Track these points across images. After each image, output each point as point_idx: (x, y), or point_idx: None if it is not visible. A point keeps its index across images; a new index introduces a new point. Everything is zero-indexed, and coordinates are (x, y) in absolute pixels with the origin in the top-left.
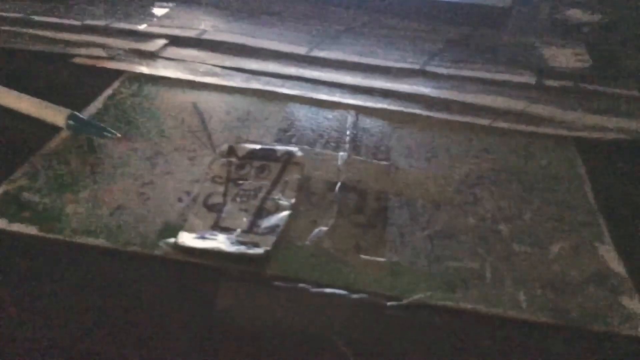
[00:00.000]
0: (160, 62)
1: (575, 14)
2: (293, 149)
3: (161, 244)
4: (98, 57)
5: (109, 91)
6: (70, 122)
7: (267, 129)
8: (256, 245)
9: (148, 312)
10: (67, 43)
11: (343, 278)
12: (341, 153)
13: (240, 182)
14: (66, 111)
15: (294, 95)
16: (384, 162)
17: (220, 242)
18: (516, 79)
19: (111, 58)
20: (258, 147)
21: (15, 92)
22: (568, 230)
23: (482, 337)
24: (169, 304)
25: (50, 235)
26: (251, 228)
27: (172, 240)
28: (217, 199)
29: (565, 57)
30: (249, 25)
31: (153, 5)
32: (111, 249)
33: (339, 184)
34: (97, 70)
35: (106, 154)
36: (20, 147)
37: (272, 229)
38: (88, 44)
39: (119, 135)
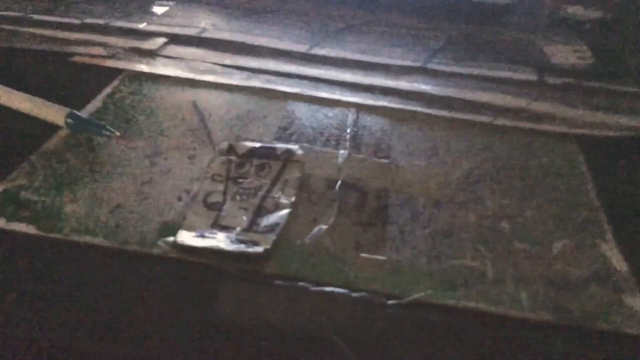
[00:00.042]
0: (159, 60)
1: (577, 10)
2: (293, 147)
3: (160, 242)
4: (98, 56)
5: (108, 90)
6: (70, 120)
7: (267, 127)
8: (256, 243)
9: (147, 311)
10: (67, 42)
11: (343, 276)
12: (341, 151)
13: (240, 180)
14: (65, 110)
15: (294, 93)
16: (385, 160)
17: (219, 240)
18: (517, 76)
19: (111, 56)
20: (258, 145)
21: (14, 91)
22: (570, 228)
23: (483, 336)
24: (168, 303)
25: (49, 234)
26: (251, 226)
27: (171, 239)
28: (217, 198)
29: (566, 54)
30: (249, 23)
31: (153, 4)
32: (110, 247)
33: (339, 182)
34: (96, 68)
35: (105, 152)
36: (19, 146)
37: (272, 228)
38: (87, 43)
39: (118, 133)
